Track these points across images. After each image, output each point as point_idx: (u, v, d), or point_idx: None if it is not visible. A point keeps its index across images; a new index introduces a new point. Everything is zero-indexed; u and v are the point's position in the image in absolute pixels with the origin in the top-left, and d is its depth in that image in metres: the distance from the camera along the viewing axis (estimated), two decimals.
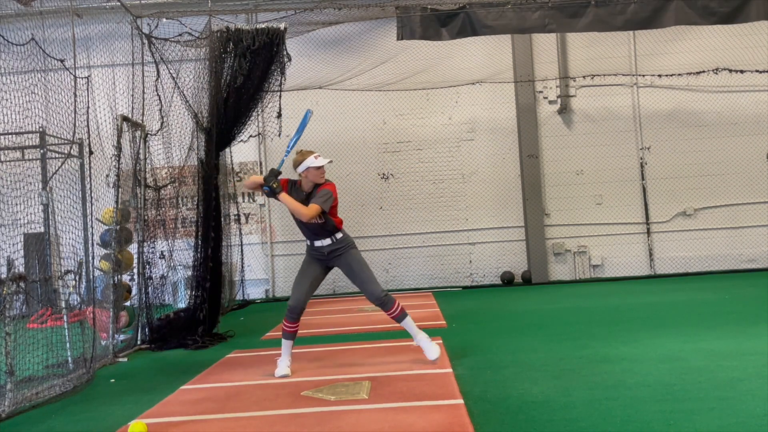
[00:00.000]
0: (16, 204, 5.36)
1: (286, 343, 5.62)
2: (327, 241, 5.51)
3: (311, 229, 5.50)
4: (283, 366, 5.56)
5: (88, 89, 6.67)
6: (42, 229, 6.27)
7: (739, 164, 13.15)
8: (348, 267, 5.56)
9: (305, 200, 5.44)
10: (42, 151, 6.74)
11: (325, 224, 5.47)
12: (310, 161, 5.40)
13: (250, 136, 9.46)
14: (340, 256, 5.55)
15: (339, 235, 5.54)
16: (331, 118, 13.12)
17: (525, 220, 13.32)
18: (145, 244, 8.02)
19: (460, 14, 10.74)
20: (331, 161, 5.56)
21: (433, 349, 5.56)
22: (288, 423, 4.16)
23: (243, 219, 13.14)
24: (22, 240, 5.65)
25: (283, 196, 5.37)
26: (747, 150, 13.12)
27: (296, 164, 5.46)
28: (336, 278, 13.16)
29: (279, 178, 5.42)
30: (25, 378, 5.27)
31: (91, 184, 6.96)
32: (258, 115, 8.79)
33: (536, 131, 13.41)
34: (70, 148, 6.79)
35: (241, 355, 6.75)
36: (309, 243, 5.60)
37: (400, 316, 5.55)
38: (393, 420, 4.06)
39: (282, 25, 7.99)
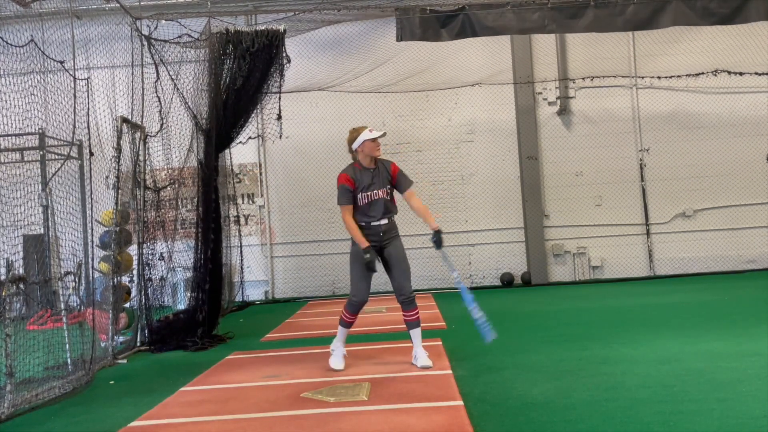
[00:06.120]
0: (16, 206, 5.35)
1: (345, 332, 5.72)
2: (384, 221, 5.54)
3: (377, 209, 5.50)
4: (340, 357, 5.68)
5: (87, 91, 6.67)
6: (41, 231, 6.26)
7: (739, 165, 13.15)
8: (395, 254, 5.54)
9: (372, 179, 5.48)
10: (41, 152, 6.73)
11: (391, 201, 5.55)
12: (365, 134, 5.46)
13: (250, 137, 9.48)
14: (392, 239, 5.57)
15: (393, 217, 5.63)
16: (331, 119, 13.11)
17: (524, 221, 13.32)
18: (145, 245, 8.02)
19: (460, 15, 10.74)
20: (384, 134, 5.57)
21: (427, 361, 5.53)
22: (287, 424, 4.15)
23: (242, 220, 13.13)
24: (22, 241, 5.65)
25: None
26: (746, 151, 13.12)
27: (351, 142, 5.51)
28: (335, 279, 13.17)
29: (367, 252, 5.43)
30: (25, 380, 5.26)
31: (90, 186, 6.96)
32: (257, 116, 8.79)
33: (536, 133, 13.41)
34: (70, 149, 6.79)
35: (241, 357, 6.75)
36: (366, 225, 5.52)
37: (415, 323, 5.56)
38: (392, 421, 4.05)
39: (281, 27, 8.00)
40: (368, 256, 5.38)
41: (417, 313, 5.57)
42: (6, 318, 4.85)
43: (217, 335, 8.01)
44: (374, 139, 5.46)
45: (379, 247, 5.56)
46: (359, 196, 5.49)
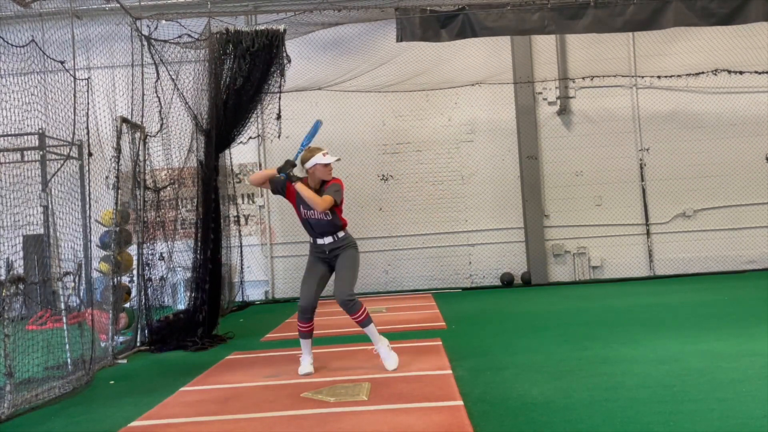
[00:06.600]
0: (16, 206, 5.35)
1: (304, 343, 5.68)
2: (329, 239, 5.56)
3: (316, 227, 5.54)
4: (305, 364, 5.64)
5: (87, 91, 6.67)
6: (41, 231, 6.25)
7: (739, 165, 13.15)
8: (339, 263, 5.57)
9: None
10: (41, 152, 6.73)
11: (331, 221, 5.51)
12: (318, 158, 5.46)
13: (250, 137, 9.47)
14: (341, 252, 5.59)
15: (341, 234, 5.59)
16: (331, 119, 13.05)
17: (524, 221, 13.32)
18: (145, 245, 8.02)
19: (460, 15, 10.74)
20: (339, 159, 5.61)
21: (391, 359, 5.56)
22: (288, 424, 4.16)
23: (242, 220, 13.14)
24: (22, 242, 5.64)
25: (300, 185, 5.40)
26: (746, 151, 13.12)
27: (304, 161, 5.52)
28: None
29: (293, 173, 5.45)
30: (25, 380, 5.26)
31: (90, 186, 6.96)
32: (257, 116, 8.79)
33: (536, 132, 13.41)
34: (70, 149, 6.79)
35: (241, 357, 6.75)
36: (312, 241, 5.65)
37: (365, 322, 5.56)
38: (393, 421, 4.05)
39: (281, 27, 8.00)
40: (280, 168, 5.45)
41: (362, 313, 5.51)
42: (5, 318, 4.84)
43: (217, 335, 8.01)
44: (326, 164, 5.48)
45: (329, 264, 5.65)
46: (300, 210, 5.56)
